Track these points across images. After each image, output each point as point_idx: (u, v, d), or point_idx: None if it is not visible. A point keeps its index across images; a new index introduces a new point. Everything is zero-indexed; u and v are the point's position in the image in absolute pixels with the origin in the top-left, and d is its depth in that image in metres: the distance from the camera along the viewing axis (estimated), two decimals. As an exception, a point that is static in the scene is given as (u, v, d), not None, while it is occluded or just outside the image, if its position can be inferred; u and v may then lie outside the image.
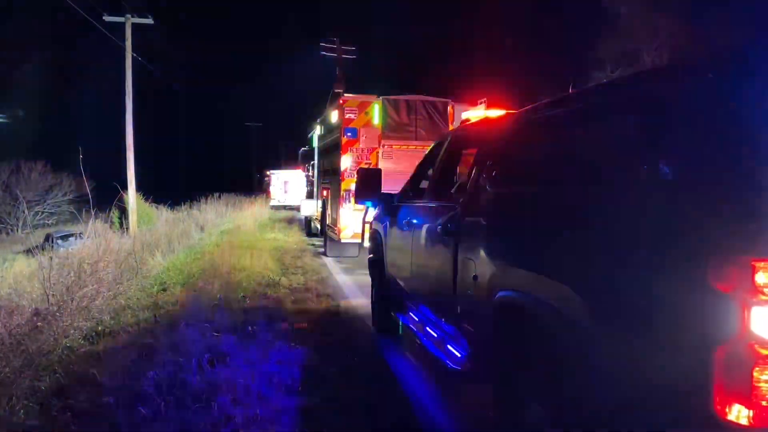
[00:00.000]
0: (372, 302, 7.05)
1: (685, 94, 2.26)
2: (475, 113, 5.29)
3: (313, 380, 4.76)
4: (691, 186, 2.04)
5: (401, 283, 5.45)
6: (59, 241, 19.00)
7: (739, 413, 1.76)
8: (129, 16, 19.87)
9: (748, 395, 1.74)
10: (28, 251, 20.00)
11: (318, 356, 5.29)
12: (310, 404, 4.27)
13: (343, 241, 11.76)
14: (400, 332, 6.26)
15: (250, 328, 5.77)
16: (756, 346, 1.74)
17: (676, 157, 2.17)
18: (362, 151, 11.48)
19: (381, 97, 11.52)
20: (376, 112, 11.47)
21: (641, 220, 2.22)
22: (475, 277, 3.45)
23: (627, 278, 2.19)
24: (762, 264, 1.74)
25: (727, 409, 1.78)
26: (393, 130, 11.43)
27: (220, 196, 26.70)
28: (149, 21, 20.22)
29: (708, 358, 1.80)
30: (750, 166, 1.86)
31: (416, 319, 5.07)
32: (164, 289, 8.74)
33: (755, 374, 1.74)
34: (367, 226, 7.63)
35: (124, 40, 19.89)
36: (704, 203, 1.96)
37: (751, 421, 1.75)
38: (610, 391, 2.25)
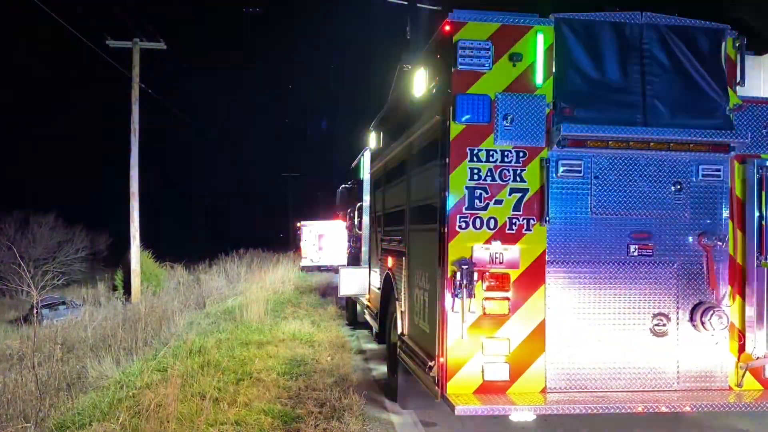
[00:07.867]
0: None
1: None
2: None
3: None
4: None
5: None
6: (45, 311, 15.75)
7: None
8: (137, 40, 16.74)
9: None
10: (17, 320, 17.00)
11: None
12: None
13: (455, 400, 4.40)
14: None
15: None
16: None
17: None
18: (501, 157, 4.66)
19: (553, 16, 4.76)
20: (539, 53, 4.70)
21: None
22: None
23: None
24: None
25: None
26: (583, 98, 4.70)
27: (245, 252, 23.04)
28: (161, 46, 17.04)
29: None
30: None
31: None
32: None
33: None
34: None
35: (130, 68, 16.74)
36: None
37: None
38: None
